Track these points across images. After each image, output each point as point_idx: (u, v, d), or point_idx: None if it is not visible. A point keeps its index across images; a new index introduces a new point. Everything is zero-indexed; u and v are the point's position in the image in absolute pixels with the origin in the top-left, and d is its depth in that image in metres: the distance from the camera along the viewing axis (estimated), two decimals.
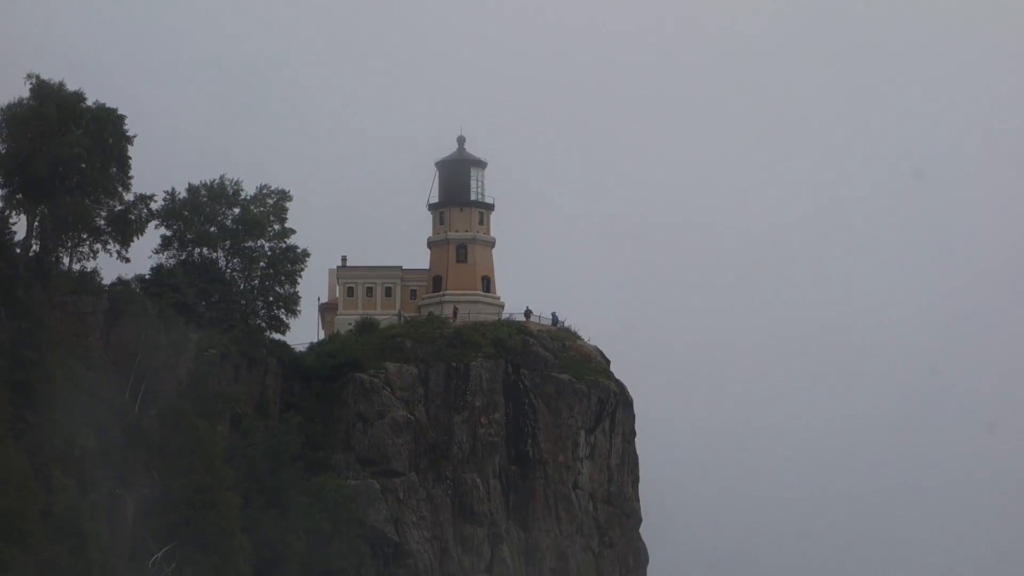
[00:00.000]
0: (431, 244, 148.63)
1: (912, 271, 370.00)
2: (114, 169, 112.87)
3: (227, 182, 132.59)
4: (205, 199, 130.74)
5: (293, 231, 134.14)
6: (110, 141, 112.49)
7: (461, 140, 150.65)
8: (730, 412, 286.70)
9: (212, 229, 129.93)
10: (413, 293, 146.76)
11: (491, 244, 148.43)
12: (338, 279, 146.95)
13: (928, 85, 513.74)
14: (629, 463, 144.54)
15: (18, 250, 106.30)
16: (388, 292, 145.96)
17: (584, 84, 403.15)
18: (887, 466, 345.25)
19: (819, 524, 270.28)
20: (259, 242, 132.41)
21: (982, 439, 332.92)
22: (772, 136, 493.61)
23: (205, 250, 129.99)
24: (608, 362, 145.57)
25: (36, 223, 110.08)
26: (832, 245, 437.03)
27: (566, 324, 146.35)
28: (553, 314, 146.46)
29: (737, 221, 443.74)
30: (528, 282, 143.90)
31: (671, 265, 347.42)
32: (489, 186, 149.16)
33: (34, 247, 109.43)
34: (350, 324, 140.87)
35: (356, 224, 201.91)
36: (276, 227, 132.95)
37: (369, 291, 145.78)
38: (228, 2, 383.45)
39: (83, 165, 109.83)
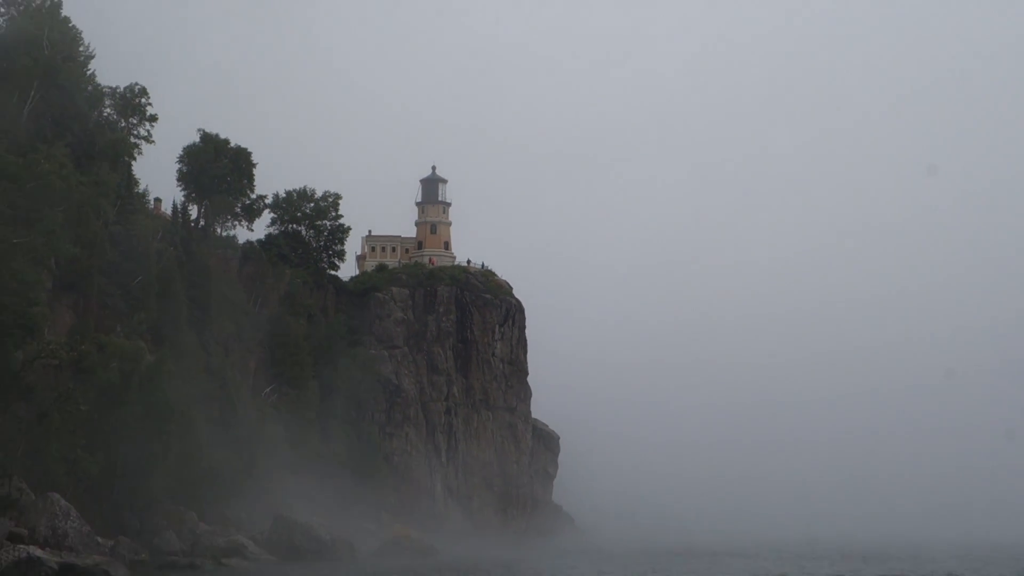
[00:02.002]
0: (417, 223, 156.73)
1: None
2: (244, 180, 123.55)
3: (306, 189, 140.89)
4: (295, 197, 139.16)
5: (342, 215, 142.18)
6: (243, 166, 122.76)
7: (434, 168, 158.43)
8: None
9: (298, 214, 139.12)
10: (407, 251, 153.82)
11: (449, 224, 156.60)
12: (366, 242, 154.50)
13: (940, 82, 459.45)
14: (522, 342, 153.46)
15: (192, 224, 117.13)
16: (394, 250, 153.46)
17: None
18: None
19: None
20: (323, 222, 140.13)
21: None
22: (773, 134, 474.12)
23: (294, 226, 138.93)
24: (511, 288, 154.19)
25: (203, 209, 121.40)
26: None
27: (488, 267, 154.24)
28: (482, 263, 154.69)
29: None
30: (469, 245, 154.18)
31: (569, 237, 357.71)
32: (449, 192, 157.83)
33: (202, 222, 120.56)
34: (372, 266, 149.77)
35: (377, 212, 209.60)
36: (332, 213, 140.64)
37: (383, 249, 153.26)
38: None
39: (228, 179, 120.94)
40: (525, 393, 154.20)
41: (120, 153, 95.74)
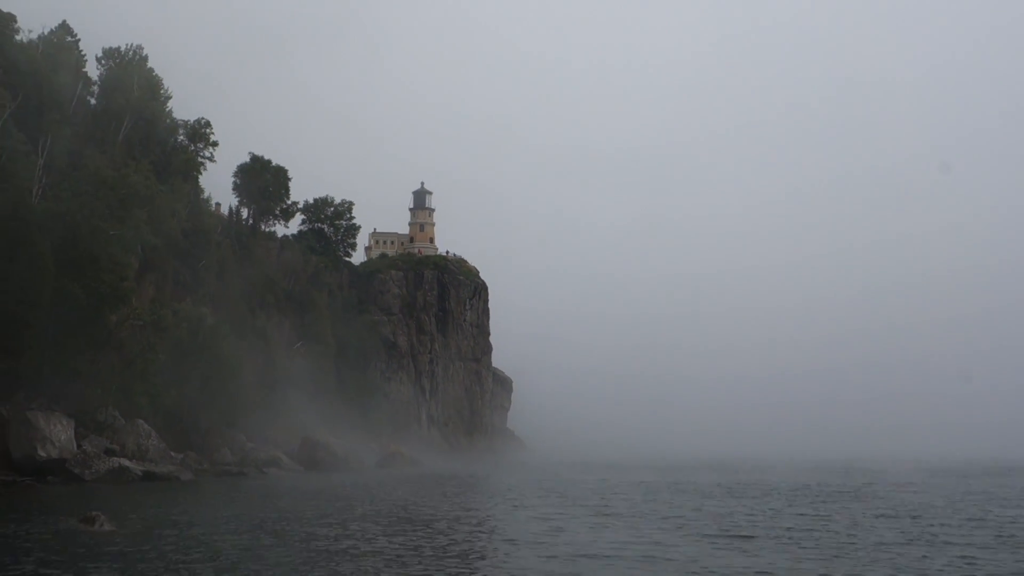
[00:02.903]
0: (409, 224, 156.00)
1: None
2: (282, 191, 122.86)
3: (328, 197, 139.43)
4: (319, 204, 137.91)
5: (354, 217, 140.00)
6: (281, 180, 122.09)
7: (422, 183, 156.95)
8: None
9: (322, 216, 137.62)
10: (402, 244, 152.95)
11: (433, 224, 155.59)
12: (372, 237, 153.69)
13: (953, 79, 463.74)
14: (486, 311, 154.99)
15: (244, 222, 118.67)
16: (392, 243, 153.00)
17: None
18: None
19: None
20: (340, 222, 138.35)
21: None
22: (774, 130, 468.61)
23: (319, 224, 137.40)
24: (478, 271, 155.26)
25: (251, 212, 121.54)
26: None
27: (461, 256, 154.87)
28: (456, 254, 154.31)
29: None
30: (447, 240, 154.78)
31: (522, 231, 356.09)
32: (433, 201, 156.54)
33: (251, 221, 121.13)
34: (376, 255, 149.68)
35: (381, 215, 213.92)
36: (347, 216, 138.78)
37: (385, 242, 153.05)
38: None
39: (270, 189, 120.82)
40: (487, 348, 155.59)
41: (190, 169, 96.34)
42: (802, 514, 44.99)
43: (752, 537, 34.69)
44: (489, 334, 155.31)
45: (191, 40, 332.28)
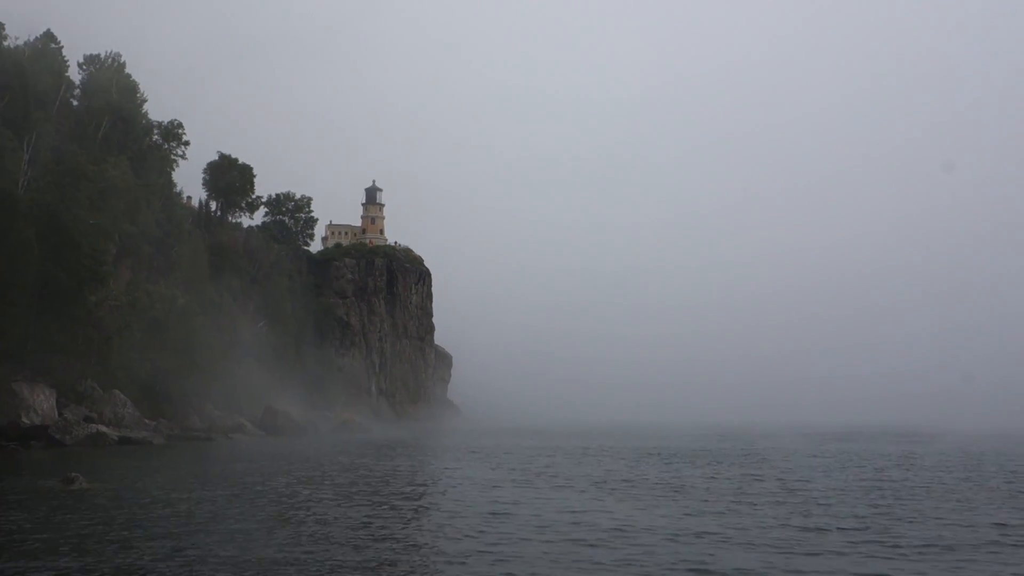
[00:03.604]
0: (362, 217, 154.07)
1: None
2: (248, 186, 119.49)
3: (289, 192, 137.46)
4: (281, 198, 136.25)
5: (312, 210, 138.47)
6: (247, 176, 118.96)
7: (374, 181, 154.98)
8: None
9: (283, 209, 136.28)
10: (355, 234, 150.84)
11: (383, 218, 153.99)
12: (329, 229, 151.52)
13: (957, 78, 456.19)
14: (429, 295, 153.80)
15: (212, 214, 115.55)
16: (346, 234, 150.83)
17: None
18: None
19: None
20: (300, 214, 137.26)
21: None
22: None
23: (281, 217, 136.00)
24: (423, 259, 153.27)
25: (219, 204, 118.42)
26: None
27: (408, 246, 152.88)
28: (402, 244, 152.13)
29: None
30: (395, 231, 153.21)
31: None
32: (383, 197, 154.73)
33: (219, 213, 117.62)
34: (332, 244, 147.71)
35: (337, 208, 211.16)
36: (306, 209, 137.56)
37: (340, 233, 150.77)
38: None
39: (237, 184, 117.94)
40: (431, 328, 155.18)
41: (164, 166, 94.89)
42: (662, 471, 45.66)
43: (603, 483, 35.75)
44: (432, 315, 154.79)
45: (168, 42, 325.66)
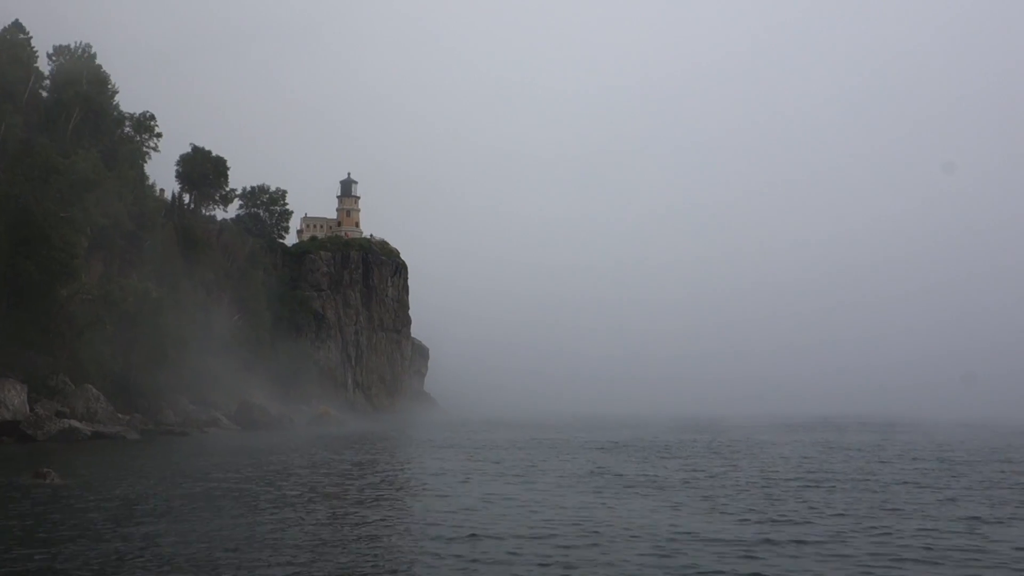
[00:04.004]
0: (337, 209, 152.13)
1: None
2: (221, 178, 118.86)
3: (264, 185, 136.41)
4: (256, 191, 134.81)
5: (287, 203, 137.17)
6: (220, 168, 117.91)
7: (349, 173, 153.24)
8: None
9: (258, 202, 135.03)
10: (330, 227, 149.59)
11: (359, 210, 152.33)
12: (304, 221, 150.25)
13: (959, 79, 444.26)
14: (405, 288, 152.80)
15: (186, 207, 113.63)
16: (321, 227, 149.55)
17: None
18: None
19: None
20: (274, 207, 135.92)
21: None
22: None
23: (255, 209, 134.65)
24: (399, 252, 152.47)
25: (193, 197, 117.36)
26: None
27: (384, 239, 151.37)
28: (377, 237, 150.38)
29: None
30: (370, 224, 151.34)
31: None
32: (359, 189, 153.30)
33: (192, 206, 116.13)
34: (307, 237, 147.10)
35: (312, 201, 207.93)
36: (281, 202, 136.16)
37: (315, 226, 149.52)
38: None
39: (210, 177, 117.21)
40: (407, 320, 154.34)
41: (136, 158, 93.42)
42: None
43: (541, 475, 35.61)
44: (408, 308, 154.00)
45: (139, 33, 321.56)
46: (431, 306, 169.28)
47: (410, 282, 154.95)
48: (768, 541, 21.50)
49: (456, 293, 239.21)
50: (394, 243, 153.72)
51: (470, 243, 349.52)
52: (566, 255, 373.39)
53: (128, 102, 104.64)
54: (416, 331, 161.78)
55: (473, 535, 21.90)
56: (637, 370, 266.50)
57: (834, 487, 34.08)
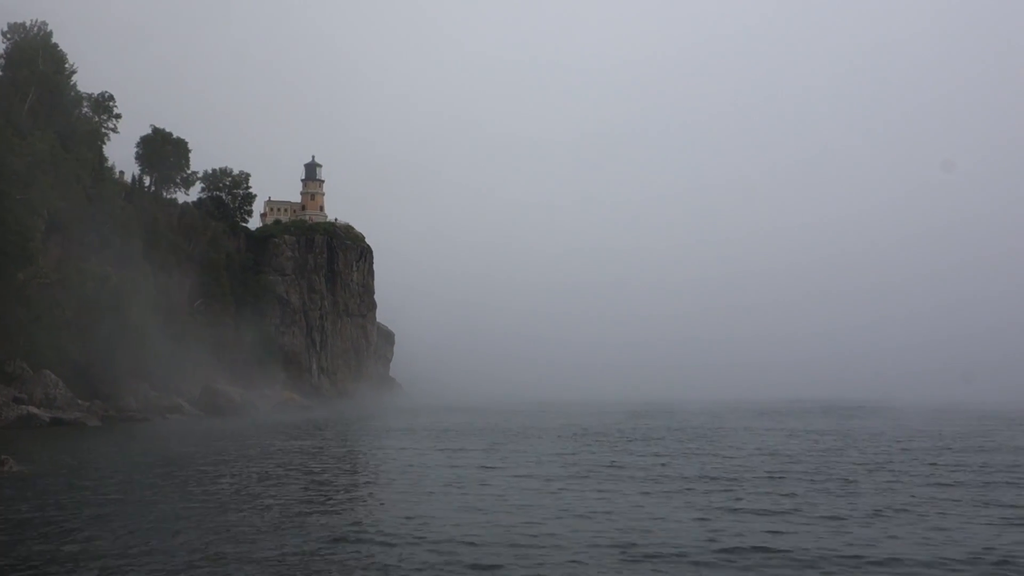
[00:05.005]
0: (301, 193, 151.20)
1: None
2: (183, 161, 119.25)
3: (226, 168, 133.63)
4: (219, 174, 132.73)
5: (250, 186, 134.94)
6: (181, 151, 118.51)
7: (313, 156, 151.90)
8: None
9: (220, 185, 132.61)
10: (295, 211, 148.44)
11: (323, 194, 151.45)
12: (267, 205, 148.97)
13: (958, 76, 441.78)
14: (371, 272, 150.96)
15: (146, 189, 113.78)
16: (285, 210, 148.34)
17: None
18: None
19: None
20: (237, 190, 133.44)
21: None
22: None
23: (218, 193, 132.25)
24: (364, 236, 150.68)
25: (153, 179, 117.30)
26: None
27: (347, 222, 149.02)
28: (341, 220, 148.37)
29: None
30: (335, 208, 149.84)
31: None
32: (324, 172, 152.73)
33: (152, 188, 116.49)
34: (271, 221, 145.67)
35: (276, 184, 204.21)
36: (244, 185, 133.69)
37: (279, 210, 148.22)
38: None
39: (171, 159, 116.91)
40: (372, 305, 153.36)
41: (94, 139, 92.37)
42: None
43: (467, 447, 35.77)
44: (374, 293, 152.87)
45: (98, 11, 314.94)
46: (398, 290, 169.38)
47: (381, 267, 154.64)
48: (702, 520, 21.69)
49: (424, 278, 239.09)
50: (361, 227, 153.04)
51: (457, 228, 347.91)
52: (557, 240, 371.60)
53: (86, 82, 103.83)
54: (386, 316, 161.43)
55: (425, 524, 21.72)
56: (626, 356, 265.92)
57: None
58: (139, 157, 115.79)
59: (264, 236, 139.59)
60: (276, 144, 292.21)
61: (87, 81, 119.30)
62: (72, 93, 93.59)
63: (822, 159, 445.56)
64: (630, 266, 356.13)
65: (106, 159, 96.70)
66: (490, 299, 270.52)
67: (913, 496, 26.44)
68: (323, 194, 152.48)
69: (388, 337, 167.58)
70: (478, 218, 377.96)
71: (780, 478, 30.99)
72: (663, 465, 35.78)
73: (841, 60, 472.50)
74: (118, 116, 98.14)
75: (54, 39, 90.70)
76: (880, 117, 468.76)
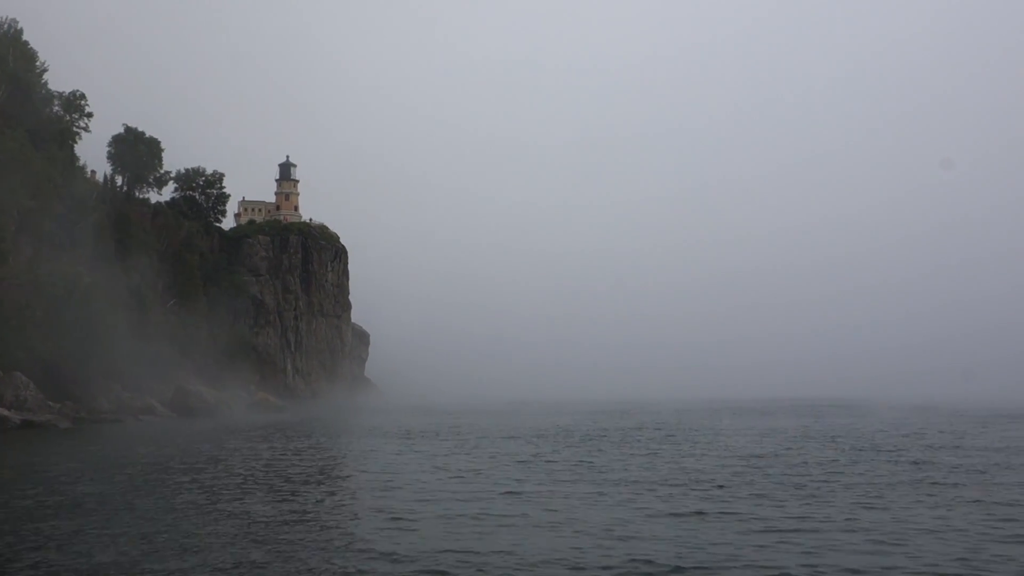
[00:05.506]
0: (276, 193, 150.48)
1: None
2: (156, 160, 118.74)
3: (200, 167, 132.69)
4: (192, 173, 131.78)
5: (224, 186, 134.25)
6: (154, 150, 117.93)
7: (287, 156, 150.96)
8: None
9: (194, 185, 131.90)
10: (269, 211, 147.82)
11: (298, 194, 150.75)
12: (242, 205, 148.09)
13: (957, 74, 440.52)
14: (346, 273, 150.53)
15: (118, 189, 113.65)
16: (260, 210, 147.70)
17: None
18: None
19: None
20: (211, 190, 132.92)
21: None
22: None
23: (191, 192, 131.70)
24: (339, 236, 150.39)
25: (126, 179, 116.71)
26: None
27: (322, 223, 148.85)
28: (316, 220, 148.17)
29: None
30: (310, 208, 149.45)
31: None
32: (298, 172, 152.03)
33: (125, 188, 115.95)
34: (246, 221, 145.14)
35: (251, 184, 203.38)
36: (218, 185, 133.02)
37: (253, 210, 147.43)
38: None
39: (144, 159, 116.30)
40: (347, 306, 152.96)
41: (65, 138, 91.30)
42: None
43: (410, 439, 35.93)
44: (348, 293, 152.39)
45: (70, 9, 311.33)
46: (373, 290, 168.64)
47: (357, 268, 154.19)
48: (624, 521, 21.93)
49: (400, 279, 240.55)
50: (338, 228, 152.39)
51: (444, 230, 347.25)
52: (546, 242, 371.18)
53: (58, 80, 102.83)
54: (361, 316, 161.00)
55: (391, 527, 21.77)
56: (615, 357, 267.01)
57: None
58: (111, 156, 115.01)
59: (238, 236, 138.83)
60: (251, 144, 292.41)
61: (59, 79, 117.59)
62: (43, 91, 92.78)
63: (822, 160, 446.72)
64: (623, 268, 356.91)
65: (77, 158, 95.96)
66: (475, 300, 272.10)
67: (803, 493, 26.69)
68: (298, 194, 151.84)
69: (363, 337, 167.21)
70: (465, 220, 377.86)
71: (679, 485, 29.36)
72: (588, 464, 36.44)
73: (840, 61, 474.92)
74: (90, 115, 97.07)
75: (25, 36, 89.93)
76: (879, 117, 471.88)
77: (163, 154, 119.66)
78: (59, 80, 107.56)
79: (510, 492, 27.37)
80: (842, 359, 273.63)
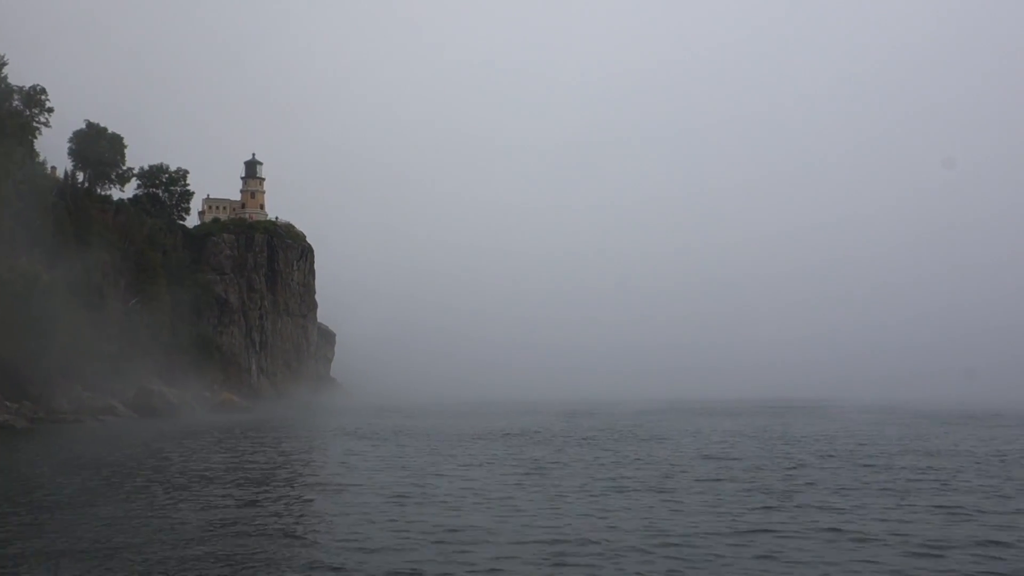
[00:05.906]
0: (241, 191, 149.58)
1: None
2: (118, 157, 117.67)
3: (163, 164, 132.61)
4: (155, 170, 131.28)
5: (188, 183, 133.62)
6: (117, 147, 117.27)
7: (253, 154, 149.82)
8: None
9: (157, 182, 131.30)
10: (234, 209, 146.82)
11: (264, 191, 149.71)
12: (206, 203, 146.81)
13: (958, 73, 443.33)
14: (312, 272, 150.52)
15: (79, 185, 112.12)
16: (225, 208, 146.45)
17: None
18: None
19: None
20: (175, 188, 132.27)
21: None
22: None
23: (154, 189, 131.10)
24: (305, 235, 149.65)
25: (87, 176, 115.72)
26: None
27: (288, 221, 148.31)
28: (282, 219, 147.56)
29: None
30: (278, 207, 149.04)
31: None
32: (268, 170, 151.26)
33: (86, 185, 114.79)
34: (210, 219, 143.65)
35: (215, 182, 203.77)
36: (182, 182, 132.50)
37: (218, 207, 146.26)
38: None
39: (106, 155, 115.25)
40: (313, 305, 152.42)
41: (25, 134, 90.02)
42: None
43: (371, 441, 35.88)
44: (315, 292, 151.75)
45: (29, 2, 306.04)
46: (340, 290, 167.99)
47: (325, 267, 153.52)
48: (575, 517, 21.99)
49: (366, 280, 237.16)
50: (305, 227, 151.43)
51: (426, 231, 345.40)
52: (541, 243, 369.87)
53: (17, 75, 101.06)
54: (328, 316, 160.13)
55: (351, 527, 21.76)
56: (618, 360, 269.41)
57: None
58: (72, 152, 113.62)
59: (202, 234, 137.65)
60: (220, 141, 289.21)
61: (18, 73, 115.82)
62: (2, 85, 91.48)
63: (822, 161, 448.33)
64: (619, 270, 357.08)
65: (37, 154, 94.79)
66: (448, 301, 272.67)
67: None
68: (264, 192, 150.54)
69: (329, 337, 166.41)
70: (442, 220, 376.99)
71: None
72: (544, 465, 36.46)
73: (840, 62, 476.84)
74: (50, 110, 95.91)
75: None
76: (879, 120, 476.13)
77: (127, 150, 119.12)
78: (20, 74, 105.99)
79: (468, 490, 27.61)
80: (842, 359, 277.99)
